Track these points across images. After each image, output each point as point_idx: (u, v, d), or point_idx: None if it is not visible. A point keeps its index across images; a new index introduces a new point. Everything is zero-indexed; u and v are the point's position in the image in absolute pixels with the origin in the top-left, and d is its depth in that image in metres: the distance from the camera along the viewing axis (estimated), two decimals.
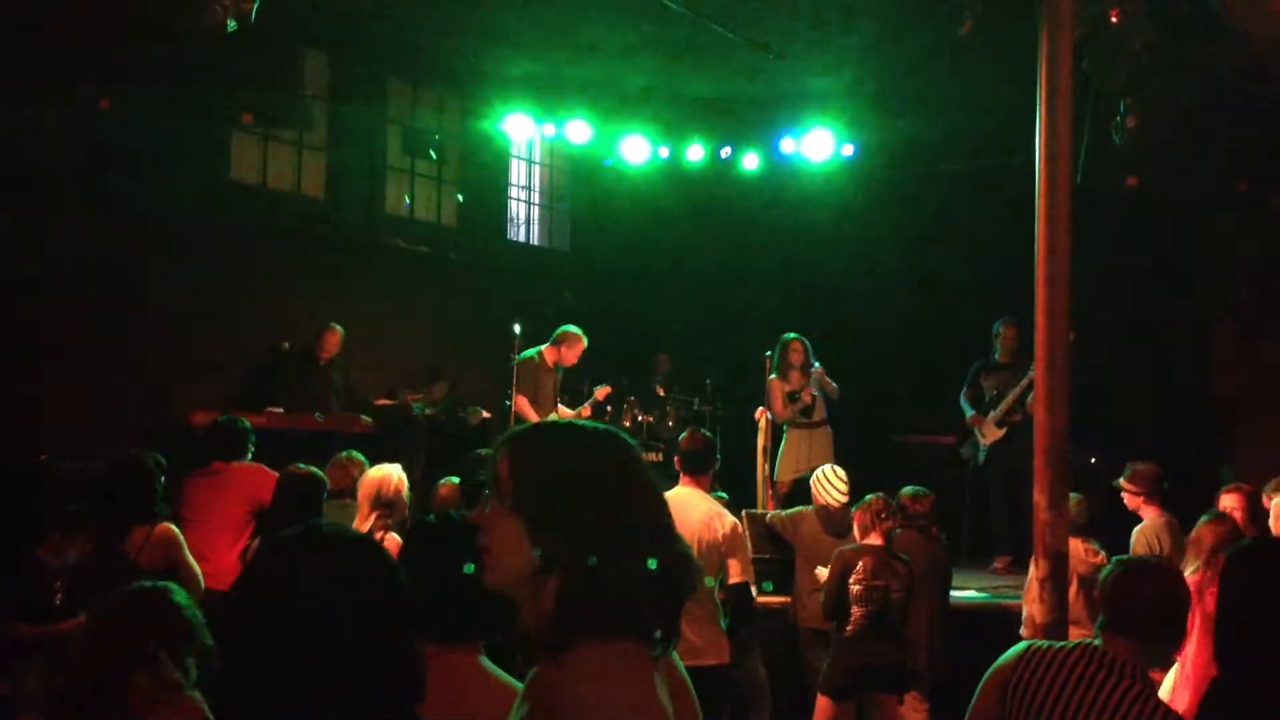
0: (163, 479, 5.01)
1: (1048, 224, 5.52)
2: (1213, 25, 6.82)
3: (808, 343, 9.06)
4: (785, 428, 8.98)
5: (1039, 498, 4.15)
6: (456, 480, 5.71)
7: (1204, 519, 5.01)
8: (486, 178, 11.18)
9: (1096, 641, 2.87)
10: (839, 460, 8.05)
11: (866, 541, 5.64)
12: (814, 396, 8.90)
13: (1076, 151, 6.89)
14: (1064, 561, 4.14)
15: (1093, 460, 8.98)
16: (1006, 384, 9.00)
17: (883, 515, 5.67)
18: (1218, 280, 9.49)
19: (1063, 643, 2.89)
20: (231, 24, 5.34)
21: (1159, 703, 2.73)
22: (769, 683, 6.26)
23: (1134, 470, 6.35)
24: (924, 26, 8.07)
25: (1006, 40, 6.54)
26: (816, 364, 9.00)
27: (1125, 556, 3.12)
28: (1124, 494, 6.33)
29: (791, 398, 8.94)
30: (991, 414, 9.09)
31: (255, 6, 5.44)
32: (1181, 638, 2.91)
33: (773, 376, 8.98)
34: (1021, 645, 2.92)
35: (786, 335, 9.08)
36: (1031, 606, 4.23)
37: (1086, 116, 7.30)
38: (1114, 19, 5.94)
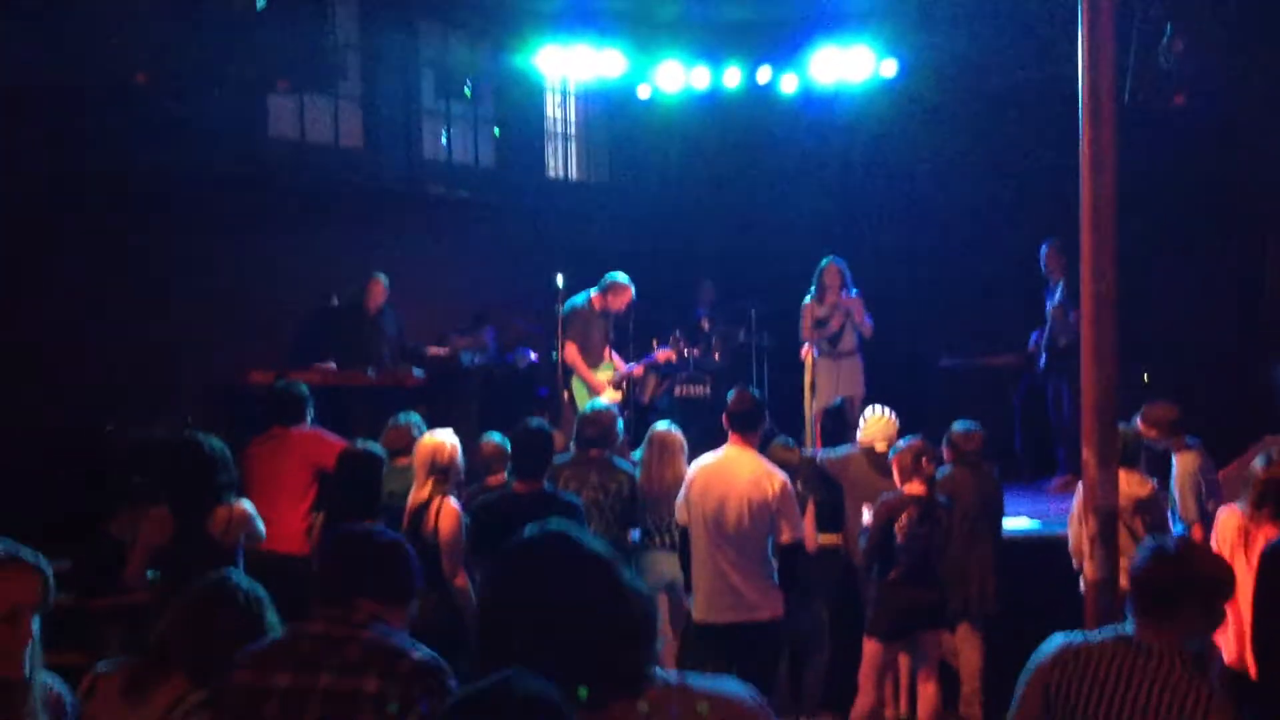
0: (229, 458, 5.15)
1: (1092, 149, 5.39)
2: None
3: (845, 267, 9.05)
4: (816, 356, 9.04)
5: (1087, 455, 4.15)
6: (498, 438, 5.83)
7: (1260, 460, 5.00)
8: (523, 114, 11.12)
9: (1128, 629, 2.89)
10: (885, 388, 8.09)
11: (909, 489, 5.67)
12: (842, 325, 8.91)
13: (1122, 72, 6.74)
14: (1114, 519, 4.16)
15: (1145, 377, 8.94)
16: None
17: (924, 460, 5.70)
18: (1269, 193, 9.29)
19: (1098, 636, 2.92)
20: (261, 1, 5.33)
21: (1203, 684, 2.75)
22: (828, 624, 6.39)
23: (1148, 415, 6.28)
24: None
25: None
26: (854, 291, 8.99)
27: (1155, 539, 3.10)
28: (1147, 440, 6.28)
29: (819, 324, 8.96)
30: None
31: None
32: (1217, 619, 2.92)
33: (806, 300, 9.03)
34: (1057, 642, 2.94)
35: (825, 259, 9.10)
36: (1084, 561, 4.27)
37: (1132, 36, 7.11)
38: None
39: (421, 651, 2.76)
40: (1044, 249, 9.19)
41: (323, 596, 2.84)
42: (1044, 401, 9.41)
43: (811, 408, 8.66)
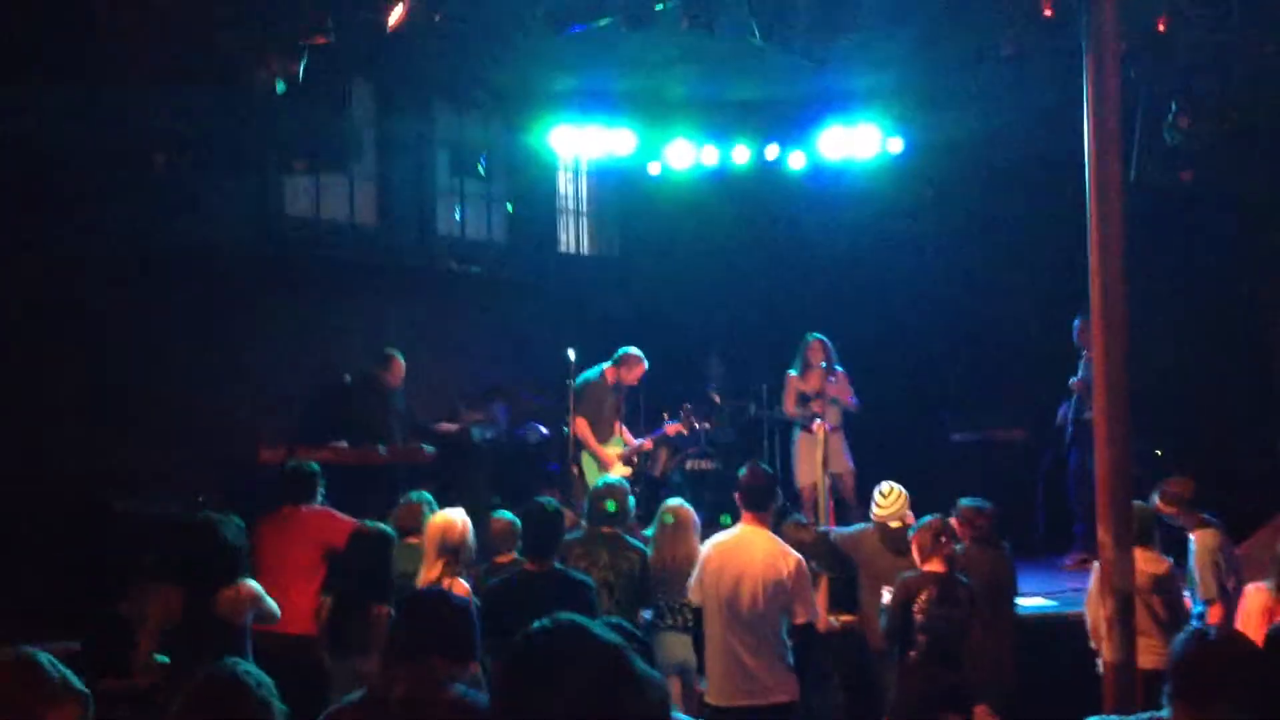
0: (243, 540, 5.14)
1: (1100, 227, 5.43)
2: (1258, 10, 6.69)
3: (830, 344, 9.09)
4: (796, 428, 9.05)
5: (1103, 536, 4.13)
6: (509, 516, 5.81)
7: None
8: (535, 191, 11.25)
9: (1164, 715, 2.86)
10: (896, 462, 8.04)
11: (928, 568, 5.62)
12: (825, 408, 8.91)
13: (1128, 149, 6.79)
14: (1132, 601, 4.13)
15: (1158, 453, 8.89)
16: None
17: (943, 539, 5.65)
18: (1277, 268, 9.33)
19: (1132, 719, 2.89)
20: (281, 86, 5.43)
21: None
22: (844, 707, 6.30)
23: (1166, 492, 6.28)
24: (968, 28, 7.98)
25: (1054, 43, 6.47)
26: (838, 369, 8.99)
27: (1195, 628, 3.09)
28: (1165, 517, 6.28)
29: (803, 399, 8.98)
30: None
31: (302, 67, 5.53)
32: (1256, 708, 2.87)
33: (791, 372, 9.05)
34: None
35: (809, 335, 9.12)
36: (1100, 642, 4.23)
37: (1137, 115, 7.19)
38: (1161, 28, 5.84)
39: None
40: (1076, 322, 9.08)
41: (398, 655, 2.98)
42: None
43: (824, 481, 8.63)
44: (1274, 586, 4.93)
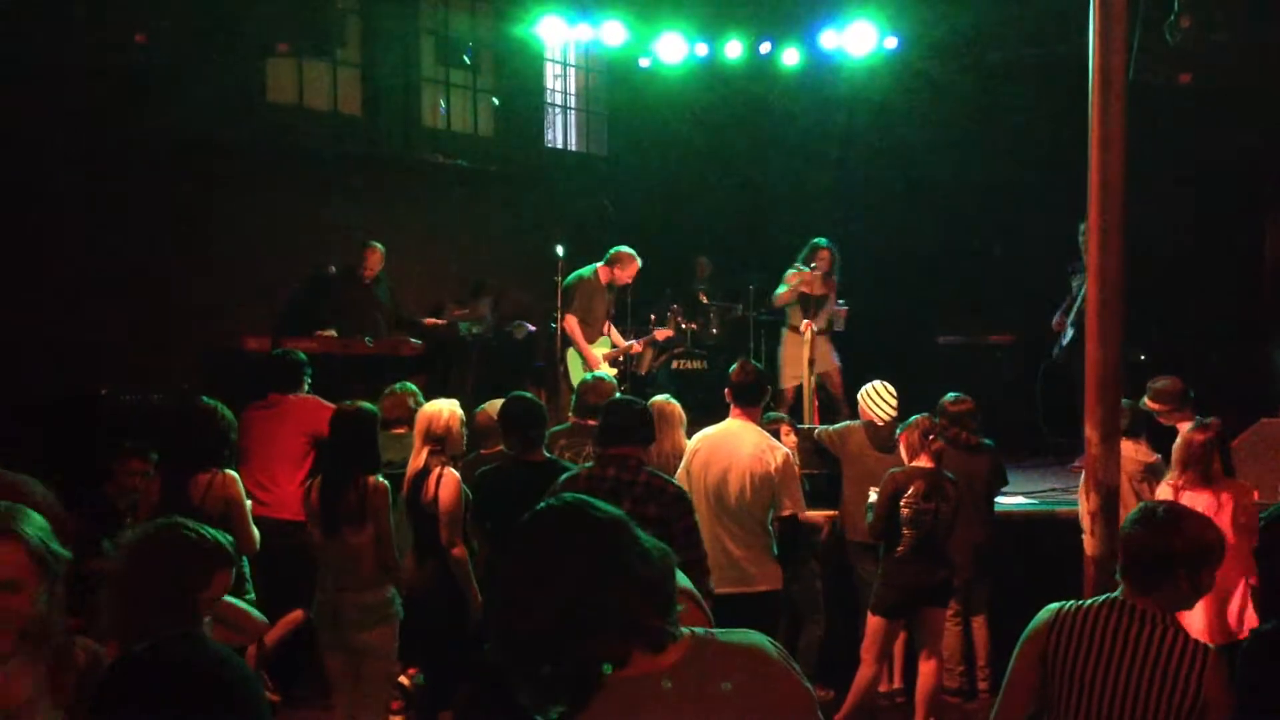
0: (232, 433, 5.11)
1: (1101, 121, 5.31)
2: None
3: (837, 253, 8.94)
4: (784, 330, 8.97)
5: (1090, 433, 4.15)
6: (496, 408, 5.78)
7: (1190, 426, 5.14)
8: (522, 84, 11.04)
9: (1117, 595, 2.90)
10: (883, 364, 8.05)
11: (916, 464, 5.64)
12: (820, 312, 8.83)
13: (1128, 48, 6.68)
14: (1115, 496, 4.16)
15: (1142, 357, 8.91)
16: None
17: (931, 436, 5.66)
18: (1270, 173, 9.26)
19: (1089, 601, 2.93)
20: None
21: (1190, 643, 2.77)
22: (822, 595, 6.37)
23: (1156, 389, 6.36)
24: None
25: None
26: (841, 302, 8.87)
27: (1145, 504, 3.09)
28: (1154, 414, 6.36)
29: (806, 302, 8.79)
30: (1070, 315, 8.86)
31: None
32: (1205, 586, 2.91)
33: (797, 268, 8.87)
34: (1051, 609, 2.95)
35: (819, 240, 8.95)
36: (1084, 538, 4.29)
37: (1138, 10, 7.06)
38: None
39: (676, 484, 4.50)
40: (1083, 226, 8.92)
41: (604, 447, 4.42)
42: (1065, 378, 9.25)
43: (810, 382, 8.62)
44: (1174, 473, 5.09)
